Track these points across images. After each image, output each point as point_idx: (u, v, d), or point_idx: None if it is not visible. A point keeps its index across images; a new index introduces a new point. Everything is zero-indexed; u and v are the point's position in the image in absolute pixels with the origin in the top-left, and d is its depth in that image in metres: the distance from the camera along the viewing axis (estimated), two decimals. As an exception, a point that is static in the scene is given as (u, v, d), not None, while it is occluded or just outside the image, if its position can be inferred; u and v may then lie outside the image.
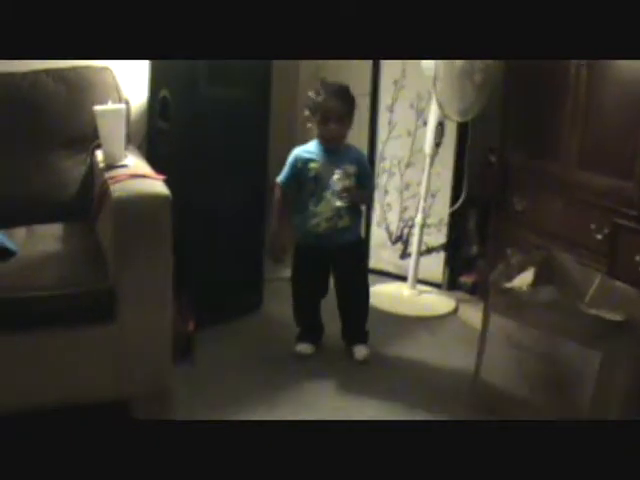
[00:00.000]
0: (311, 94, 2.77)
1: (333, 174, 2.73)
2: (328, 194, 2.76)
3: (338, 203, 2.74)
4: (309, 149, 2.81)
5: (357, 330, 2.96)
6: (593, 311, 2.28)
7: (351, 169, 2.77)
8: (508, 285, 2.53)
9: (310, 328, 2.97)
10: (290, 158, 2.83)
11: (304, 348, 2.91)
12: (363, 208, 3.16)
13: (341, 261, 2.87)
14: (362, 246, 2.96)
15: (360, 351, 2.90)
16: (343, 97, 2.76)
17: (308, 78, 4.34)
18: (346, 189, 2.72)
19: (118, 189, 2.26)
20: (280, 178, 2.83)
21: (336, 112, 2.73)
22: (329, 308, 2.98)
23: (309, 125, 2.80)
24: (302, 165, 2.78)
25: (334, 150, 2.78)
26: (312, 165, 2.77)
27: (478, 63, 3.16)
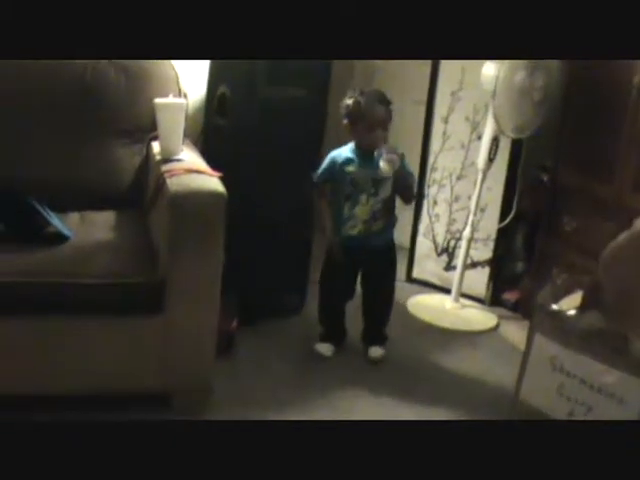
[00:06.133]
0: (349, 102, 2.75)
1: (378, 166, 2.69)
2: (364, 197, 2.77)
3: (385, 168, 2.68)
4: (346, 153, 2.81)
5: (376, 332, 2.99)
6: (641, 340, 2.26)
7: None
8: (555, 307, 2.50)
9: (333, 329, 2.99)
10: (326, 160, 2.84)
11: (324, 349, 2.93)
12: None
13: (371, 265, 2.89)
14: (393, 251, 2.94)
15: (375, 351, 2.93)
16: (386, 104, 2.75)
17: (362, 83, 4.36)
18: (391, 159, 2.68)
19: (175, 183, 2.28)
20: (315, 177, 2.85)
21: (382, 119, 2.73)
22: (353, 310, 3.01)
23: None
24: (339, 168, 2.79)
25: (370, 154, 2.75)
26: (349, 169, 2.78)
27: (538, 80, 3.13)
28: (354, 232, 2.82)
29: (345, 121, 2.78)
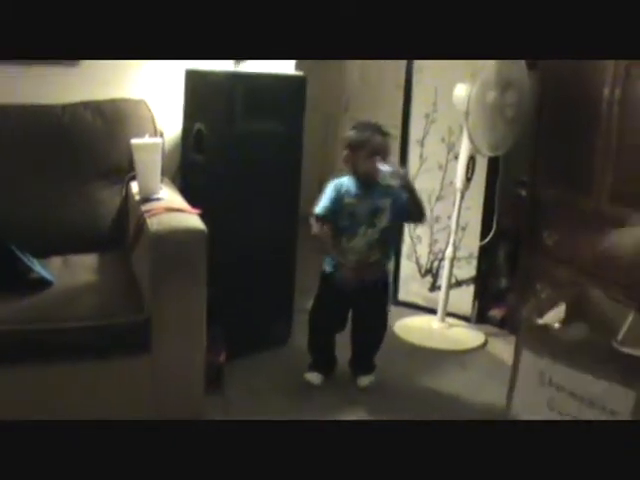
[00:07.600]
0: (352, 133, 2.80)
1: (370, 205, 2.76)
2: (362, 229, 2.78)
3: (393, 182, 2.74)
4: (345, 183, 2.81)
5: (365, 361, 3.00)
6: (626, 349, 2.27)
7: (386, 203, 2.79)
8: (540, 321, 2.52)
9: (323, 359, 3.00)
10: (328, 190, 2.82)
11: (314, 378, 2.94)
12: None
13: (363, 297, 2.88)
14: (386, 284, 2.96)
15: (364, 380, 2.95)
16: (385, 135, 2.80)
17: (337, 110, 4.41)
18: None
19: (155, 223, 2.29)
20: (318, 210, 2.79)
21: (381, 148, 2.76)
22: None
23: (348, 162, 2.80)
24: (340, 198, 2.79)
25: (368, 184, 2.78)
26: (347, 200, 2.78)
27: (510, 98, 3.17)
28: (351, 264, 2.81)
29: (345, 152, 2.80)
